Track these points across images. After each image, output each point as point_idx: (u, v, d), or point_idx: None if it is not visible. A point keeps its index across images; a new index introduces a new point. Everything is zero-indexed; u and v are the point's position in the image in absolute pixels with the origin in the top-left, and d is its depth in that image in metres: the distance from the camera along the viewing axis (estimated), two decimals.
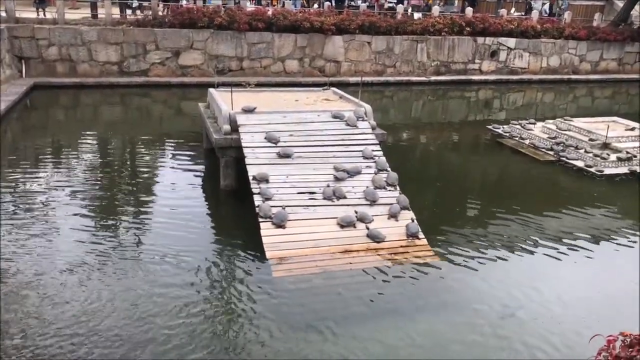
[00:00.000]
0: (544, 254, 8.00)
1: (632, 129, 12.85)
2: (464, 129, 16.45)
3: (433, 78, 21.47)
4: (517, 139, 13.44)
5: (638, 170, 11.25)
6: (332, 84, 20.35)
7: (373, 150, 9.21)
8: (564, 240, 8.43)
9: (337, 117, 9.70)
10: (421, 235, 7.92)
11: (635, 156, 11.56)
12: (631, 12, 26.07)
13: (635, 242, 8.51)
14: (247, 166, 8.53)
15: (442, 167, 12.37)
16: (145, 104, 17.84)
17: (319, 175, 8.58)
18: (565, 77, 23.04)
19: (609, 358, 2.59)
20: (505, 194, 10.69)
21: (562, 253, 8.07)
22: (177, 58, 18.96)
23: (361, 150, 9.18)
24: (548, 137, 12.95)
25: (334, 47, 20.37)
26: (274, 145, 8.93)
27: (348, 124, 9.59)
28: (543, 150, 12.49)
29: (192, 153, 12.05)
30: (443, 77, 21.72)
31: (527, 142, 13.11)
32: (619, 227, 9.03)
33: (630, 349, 2.47)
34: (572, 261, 7.93)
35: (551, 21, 23.66)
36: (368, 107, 10.09)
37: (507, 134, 13.83)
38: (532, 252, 8.06)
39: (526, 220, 9.14)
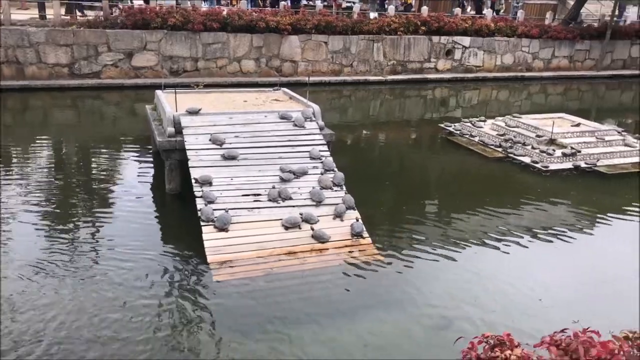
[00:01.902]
0: (491, 250, 8.13)
1: (578, 124, 13.19)
2: (418, 128, 16.62)
3: (390, 77, 21.61)
4: (467, 136, 13.64)
5: (582, 165, 11.53)
6: (289, 84, 20.48)
7: (320, 151, 9.20)
8: (509, 237, 8.57)
9: (284, 117, 9.66)
10: (365, 234, 7.95)
11: (579, 151, 11.85)
12: (581, 11, 26.79)
13: (575, 238, 8.70)
14: (190, 169, 8.43)
15: (392, 166, 12.45)
16: (98, 107, 17.44)
17: (264, 177, 8.53)
18: (519, 74, 23.50)
19: (471, 358, 2.63)
20: (453, 191, 10.83)
21: (506, 249, 8.20)
22: (130, 59, 18.61)
23: (308, 151, 9.16)
24: (497, 134, 13.18)
25: (291, 47, 20.32)
26: (218, 147, 8.84)
27: (296, 125, 9.57)
28: (492, 147, 12.70)
29: (142, 156, 11.87)
30: (400, 76, 21.88)
31: (477, 139, 13.31)
32: (563, 222, 9.24)
33: (492, 350, 2.51)
34: (518, 257, 8.06)
35: (504, 19, 24.08)
36: (316, 108, 10.08)
37: (458, 132, 14.02)
38: (478, 249, 8.17)
39: (473, 217, 9.27)
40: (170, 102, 9.73)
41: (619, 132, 13.11)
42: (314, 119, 9.80)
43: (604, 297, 7.02)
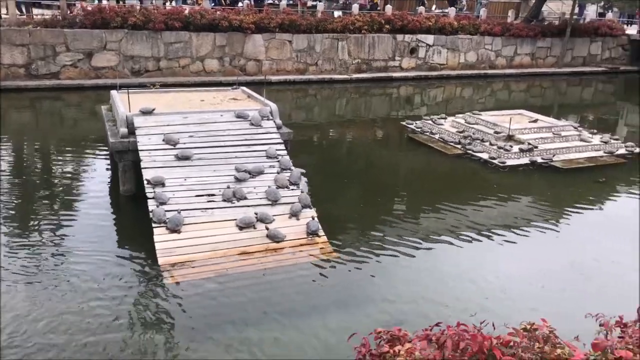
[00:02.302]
0: (449, 246, 8.17)
1: (535, 120, 13.39)
2: (382, 126, 16.67)
3: (355, 76, 21.67)
4: (428, 134, 13.74)
5: (538, 161, 11.71)
6: (253, 83, 20.37)
7: (277, 150, 9.14)
8: (466, 232, 8.63)
9: (241, 116, 9.58)
10: (321, 232, 7.92)
11: (536, 147, 12.04)
12: (544, 10, 27.30)
13: (530, 232, 8.82)
14: (143, 170, 8.28)
15: (354, 164, 12.47)
16: (57, 108, 17.09)
17: (219, 177, 8.43)
18: (482, 72, 23.80)
19: (363, 355, 2.63)
20: (412, 189, 10.90)
21: (463, 244, 8.27)
22: (90, 59, 18.27)
23: (265, 150, 9.09)
24: (457, 132, 13.30)
25: (255, 45, 20.21)
26: (172, 147, 8.71)
27: (252, 124, 9.49)
28: (452, 144, 12.82)
29: (99, 158, 11.67)
30: (365, 74, 21.96)
31: (437, 136, 13.42)
32: (519, 217, 9.35)
33: (385, 345, 2.51)
34: (475, 251, 8.13)
35: (468, 18, 24.36)
36: (274, 106, 10.01)
37: (420, 130, 14.11)
38: (435, 245, 8.20)
39: (432, 213, 9.34)
40: (124, 102, 9.55)
41: (575, 128, 13.36)
42: (271, 117, 9.73)
43: (560, 289, 7.11)
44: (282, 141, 9.37)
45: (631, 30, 27.12)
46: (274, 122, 9.73)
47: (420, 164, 12.54)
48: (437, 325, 2.76)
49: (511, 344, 2.35)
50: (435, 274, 7.46)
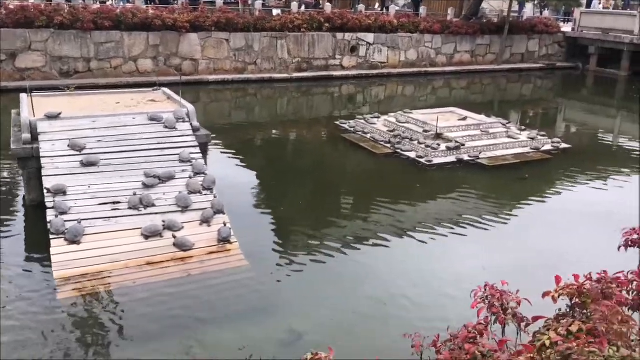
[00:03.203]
0: (359, 254, 8.00)
1: (464, 118, 13.46)
2: (317, 126, 16.43)
3: (295, 75, 21.41)
4: (360, 133, 13.63)
5: (465, 159, 11.75)
6: (189, 83, 19.88)
7: (191, 153, 8.82)
8: (385, 234, 8.53)
9: (154, 119, 9.21)
10: (233, 239, 7.66)
11: (463, 145, 12.07)
12: (486, 7, 27.71)
13: (453, 230, 8.77)
14: (43, 178, 7.84)
15: (280, 166, 12.14)
16: None
17: (126, 184, 8.06)
18: (423, 70, 23.92)
19: None
20: (336, 191, 10.70)
21: (379, 248, 8.15)
22: (14, 60, 17.44)
23: (178, 154, 8.76)
24: (388, 131, 13.23)
25: (190, 45, 19.72)
26: (78, 153, 8.28)
27: (166, 126, 9.14)
28: (382, 143, 12.74)
29: (6, 165, 11.07)
30: (305, 73, 21.73)
31: (369, 136, 13.32)
32: (442, 215, 9.31)
33: None
34: (393, 254, 8.03)
35: (407, 16, 24.46)
36: (191, 108, 9.68)
37: (352, 129, 14.00)
38: (349, 251, 8.01)
39: (352, 215, 9.20)
40: (28, 106, 9.05)
41: (503, 125, 13.49)
42: (187, 119, 9.40)
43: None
44: (197, 144, 9.05)
45: (567, 28, 27.81)
46: (191, 124, 9.40)
47: (348, 164, 12.40)
48: None
49: None
50: (345, 282, 7.26)
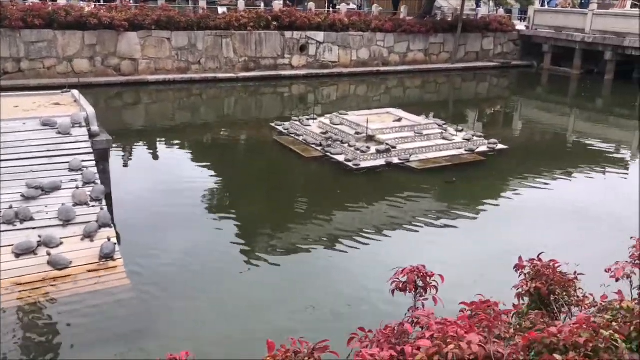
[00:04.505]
0: (264, 271, 7.47)
1: (399, 119, 13.00)
2: (252, 128, 15.65)
3: (242, 74, 20.78)
4: (294, 135, 13.08)
5: (394, 162, 11.28)
6: (128, 84, 19.13)
7: (83, 161, 8.16)
8: (295, 244, 8.00)
9: (47, 124, 8.55)
10: (118, 255, 7.02)
11: (394, 147, 11.61)
12: (445, 6, 27.41)
13: (374, 238, 8.27)
14: None
15: (198, 172, 11.31)
16: None
17: (4, 195, 7.37)
18: (375, 69, 23.48)
19: None
20: (253, 199, 10.05)
21: (288, 260, 7.62)
22: None
23: (69, 162, 8.09)
24: (321, 133, 12.71)
25: (129, 44, 18.96)
26: None
27: (59, 132, 8.47)
28: (313, 146, 12.21)
29: None
30: (253, 73, 21.12)
31: (301, 138, 12.78)
32: (361, 222, 8.82)
33: None
34: (318, 269, 7.50)
35: (358, 14, 24.00)
36: (90, 111, 9.02)
37: (287, 131, 13.45)
38: (255, 271, 7.46)
39: (262, 226, 8.63)
40: None
41: (439, 126, 13.07)
42: (84, 124, 8.74)
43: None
44: (91, 151, 8.40)
45: (521, 26, 27.67)
46: (89, 129, 8.74)
47: (273, 168, 11.83)
48: None
49: None
50: (231, 301, 6.72)
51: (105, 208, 7.55)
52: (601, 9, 25.55)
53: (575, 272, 3.23)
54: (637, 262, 3.18)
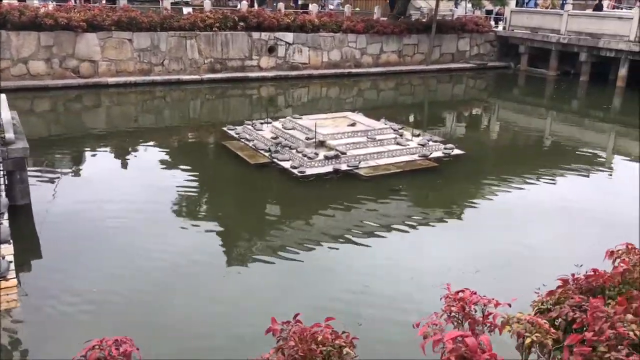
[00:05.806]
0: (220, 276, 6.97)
1: (353, 124, 12.48)
2: (205, 132, 14.99)
3: (207, 76, 20.24)
4: (244, 140, 12.55)
5: (342, 168, 10.78)
6: (87, 86, 18.54)
7: None
8: (233, 256, 7.48)
9: None
10: (12, 274, 6.45)
11: (344, 153, 11.10)
12: (422, 6, 26.95)
13: (313, 251, 7.77)
14: None
15: (136, 180, 10.73)
16: None
17: None
18: (347, 70, 22.98)
19: None
20: (188, 209, 9.49)
21: (229, 271, 7.09)
22: None
23: None
24: (271, 137, 12.19)
25: (88, 45, 18.39)
26: None
27: None
28: (262, 151, 11.69)
29: None
30: (219, 74, 20.59)
31: (251, 143, 12.25)
32: (301, 235, 8.32)
33: None
34: (236, 282, 6.99)
35: (329, 15, 23.51)
36: (5, 117, 8.46)
37: (238, 136, 12.91)
38: (179, 280, 6.98)
39: (196, 240, 8.10)
40: None
41: (394, 130, 12.57)
42: None
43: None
44: (0, 160, 7.84)
45: (498, 27, 27.26)
46: (2, 136, 8.18)
47: (213, 176, 11.27)
48: None
49: None
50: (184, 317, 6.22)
51: (6, 223, 6.99)
52: (584, 9, 25.23)
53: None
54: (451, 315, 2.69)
